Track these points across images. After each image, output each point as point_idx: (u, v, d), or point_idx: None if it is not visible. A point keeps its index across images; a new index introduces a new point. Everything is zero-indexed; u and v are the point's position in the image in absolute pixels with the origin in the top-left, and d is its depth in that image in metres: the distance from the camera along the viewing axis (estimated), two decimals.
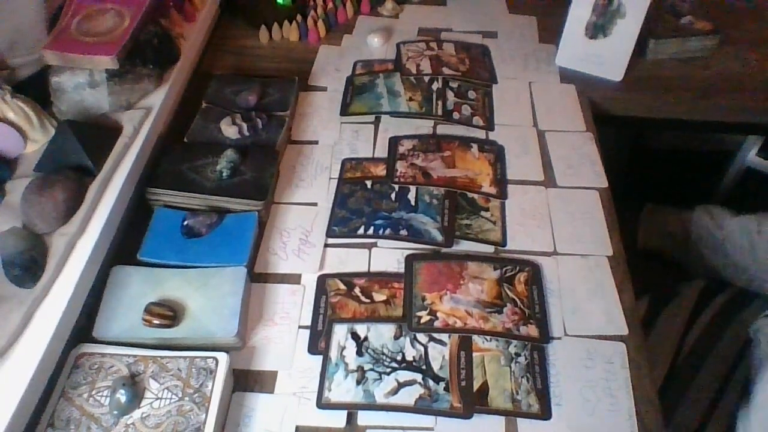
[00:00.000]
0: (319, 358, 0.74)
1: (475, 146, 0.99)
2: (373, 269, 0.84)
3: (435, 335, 0.75)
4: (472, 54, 1.17)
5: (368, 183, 0.93)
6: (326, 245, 0.86)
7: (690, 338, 1.01)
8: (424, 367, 0.73)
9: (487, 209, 0.90)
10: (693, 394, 0.95)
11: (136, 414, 0.66)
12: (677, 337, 1.01)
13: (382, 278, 0.82)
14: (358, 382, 0.71)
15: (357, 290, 0.81)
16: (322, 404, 0.70)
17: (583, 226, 0.88)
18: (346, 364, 0.73)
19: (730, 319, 1.01)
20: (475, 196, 0.91)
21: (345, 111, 1.05)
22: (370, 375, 0.72)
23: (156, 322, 0.72)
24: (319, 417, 0.69)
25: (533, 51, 1.19)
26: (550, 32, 1.20)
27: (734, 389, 0.94)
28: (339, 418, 0.69)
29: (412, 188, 0.92)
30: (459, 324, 0.76)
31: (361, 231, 0.86)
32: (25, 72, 0.90)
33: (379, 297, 0.80)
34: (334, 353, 0.74)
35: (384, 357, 0.73)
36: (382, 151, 0.99)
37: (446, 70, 1.11)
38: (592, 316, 0.78)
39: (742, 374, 0.95)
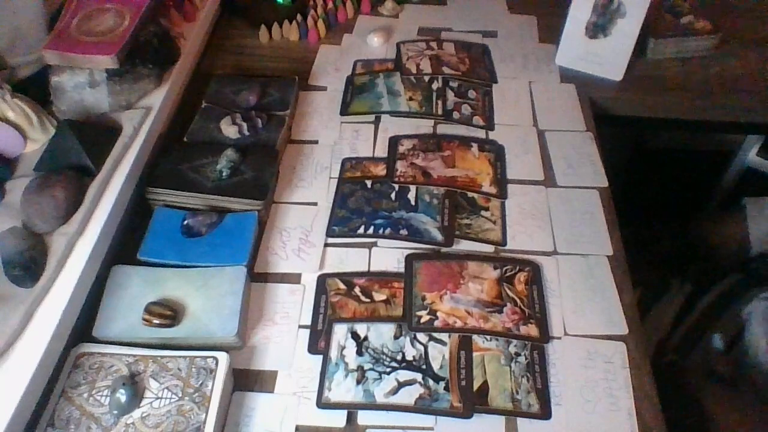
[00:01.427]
0: (319, 358, 0.74)
1: (475, 146, 0.99)
2: (373, 269, 0.84)
3: (435, 335, 0.75)
4: (472, 54, 1.17)
5: (368, 182, 0.93)
6: (326, 245, 0.86)
7: (680, 330, 1.01)
8: (424, 366, 0.73)
9: (487, 209, 0.90)
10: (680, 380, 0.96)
11: (136, 413, 0.66)
12: (667, 329, 1.02)
13: (382, 278, 0.82)
14: (358, 382, 0.71)
15: (357, 290, 0.81)
16: (322, 404, 0.70)
17: (583, 226, 0.88)
18: (346, 364, 0.73)
19: (723, 311, 1.01)
20: (475, 195, 0.91)
21: (345, 111, 1.05)
22: (370, 375, 0.72)
23: (156, 321, 0.72)
24: (319, 417, 0.69)
25: (533, 51, 1.19)
26: (550, 32, 1.20)
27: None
28: (339, 418, 0.69)
29: (412, 188, 0.92)
30: (459, 323, 0.76)
31: (361, 230, 0.86)
32: (25, 72, 0.90)
33: (379, 296, 0.80)
34: (334, 353, 0.74)
35: (384, 357, 0.73)
36: (382, 151, 0.99)
37: (446, 70, 1.11)
38: (592, 316, 0.78)
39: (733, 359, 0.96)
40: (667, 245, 1.17)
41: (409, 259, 0.83)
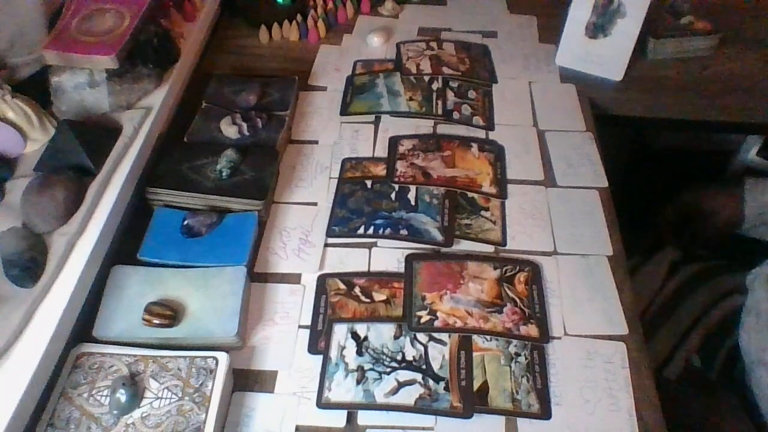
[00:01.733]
0: (319, 358, 0.74)
1: (475, 146, 0.99)
2: (373, 269, 0.84)
3: (435, 335, 0.75)
4: (472, 54, 1.17)
5: (368, 183, 0.93)
6: (326, 245, 0.86)
7: (662, 295, 1.02)
8: (424, 366, 0.73)
9: (487, 209, 0.90)
10: (660, 337, 0.98)
11: (136, 414, 0.66)
12: (651, 294, 1.03)
13: (382, 278, 0.82)
14: (358, 382, 0.71)
15: (357, 290, 0.81)
16: (322, 404, 0.70)
17: (583, 226, 0.88)
18: (346, 364, 0.73)
19: (698, 286, 1.03)
20: (475, 195, 0.91)
21: (345, 111, 1.05)
22: (370, 375, 0.72)
23: (156, 321, 0.72)
24: (319, 417, 0.69)
25: (533, 51, 1.19)
26: (550, 32, 1.20)
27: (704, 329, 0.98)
28: (339, 418, 0.69)
29: (412, 188, 0.92)
30: (459, 324, 0.76)
31: (361, 231, 0.86)
32: (25, 72, 0.90)
33: (379, 297, 0.80)
34: (334, 353, 0.74)
35: (384, 357, 0.73)
36: (382, 151, 0.99)
37: (446, 70, 1.11)
38: (592, 316, 0.78)
39: (716, 319, 0.98)
40: (668, 214, 1.17)
41: (409, 259, 0.83)
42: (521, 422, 0.69)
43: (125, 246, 0.83)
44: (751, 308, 0.88)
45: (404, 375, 0.72)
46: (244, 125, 0.94)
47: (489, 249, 0.86)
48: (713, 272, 1.05)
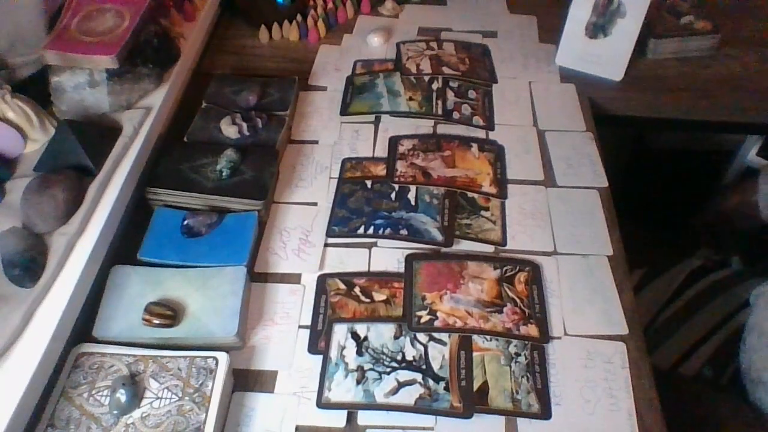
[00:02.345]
0: (319, 358, 0.74)
1: (475, 146, 0.99)
2: (373, 269, 0.84)
3: (435, 335, 0.75)
4: (472, 54, 1.17)
5: (368, 183, 0.93)
6: (326, 245, 0.86)
7: (670, 309, 1.03)
8: (424, 366, 0.73)
9: (487, 209, 0.90)
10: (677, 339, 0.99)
11: (136, 414, 0.66)
12: (658, 306, 1.03)
13: (382, 278, 0.82)
14: (358, 382, 0.71)
15: (357, 290, 0.81)
16: (322, 404, 0.70)
17: (583, 226, 0.88)
18: (346, 364, 0.73)
19: (718, 294, 1.02)
20: (475, 195, 0.91)
21: (345, 111, 1.05)
22: (370, 375, 0.72)
23: (156, 321, 0.72)
24: (319, 417, 0.69)
25: (533, 51, 1.19)
26: (550, 32, 1.20)
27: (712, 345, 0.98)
28: (339, 418, 0.69)
29: (412, 188, 0.92)
30: (459, 324, 0.76)
31: (361, 231, 0.86)
32: (25, 72, 0.90)
33: (379, 297, 0.80)
34: (334, 353, 0.74)
35: (384, 357, 0.73)
36: (382, 151, 0.99)
37: (446, 70, 1.11)
38: (592, 316, 0.78)
39: (724, 335, 0.98)
40: (697, 224, 1.17)
41: (409, 259, 0.83)
42: (521, 422, 0.69)
43: (125, 246, 0.83)
44: (753, 327, 0.86)
45: (404, 375, 0.72)
46: (244, 125, 0.94)
47: (489, 249, 0.86)
48: (736, 279, 1.04)
